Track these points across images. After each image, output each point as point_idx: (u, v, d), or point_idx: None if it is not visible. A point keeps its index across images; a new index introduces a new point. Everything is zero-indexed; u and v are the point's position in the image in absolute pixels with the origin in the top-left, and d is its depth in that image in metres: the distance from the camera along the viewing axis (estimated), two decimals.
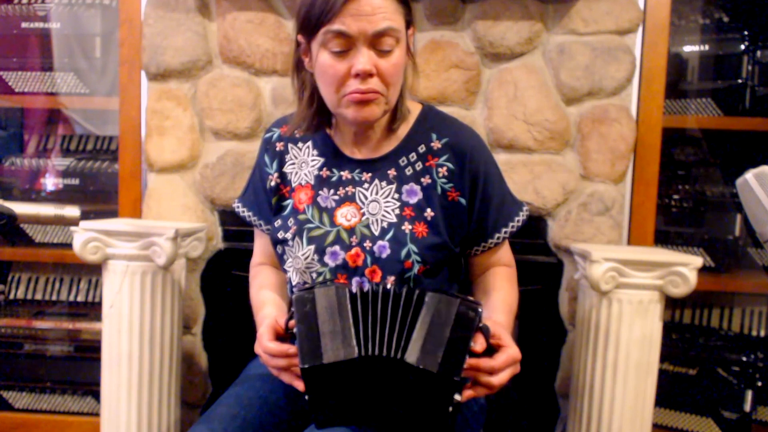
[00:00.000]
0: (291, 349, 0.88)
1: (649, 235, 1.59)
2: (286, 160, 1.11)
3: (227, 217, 1.62)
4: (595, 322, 1.37)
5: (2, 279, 1.92)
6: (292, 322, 0.87)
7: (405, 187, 1.04)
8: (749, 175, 0.88)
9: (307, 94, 1.04)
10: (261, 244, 1.20)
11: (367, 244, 1.01)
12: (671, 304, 1.77)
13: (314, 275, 1.03)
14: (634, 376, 1.33)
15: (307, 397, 0.85)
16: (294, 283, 1.07)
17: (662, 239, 1.73)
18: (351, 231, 1.02)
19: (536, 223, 1.58)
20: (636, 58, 1.53)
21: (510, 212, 1.10)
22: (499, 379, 0.86)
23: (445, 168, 1.05)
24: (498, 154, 1.54)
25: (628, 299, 1.33)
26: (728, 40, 1.73)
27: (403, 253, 1.00)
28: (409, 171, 1.06)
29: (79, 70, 1.84)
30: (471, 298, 0.85)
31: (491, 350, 0.86)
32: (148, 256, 1.38)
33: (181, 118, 1.60)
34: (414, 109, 1.09)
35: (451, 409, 0.82)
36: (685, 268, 1.30)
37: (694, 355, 1.74)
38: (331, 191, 1.06)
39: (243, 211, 1.19)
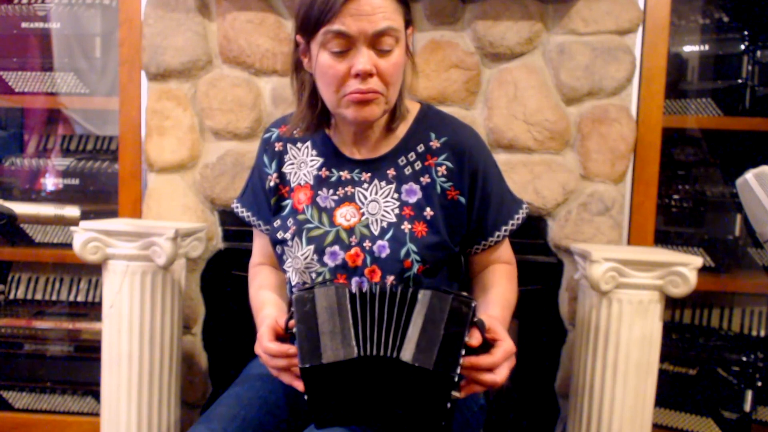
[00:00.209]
0: (291, 349, 0.88)
1: (649, 235, 1.59)
2: (285, 160, 1.11)
3: (227, 217, 1.62)
4: (595, 322, 1.37)
5: (2, 279, 1.92)
6: (292, 322, 0.87)
7: (404, 187, 1.04)
8: (749, 175, 0.88)
9: (306, 94, 1.04)
10: (260, 245, 1.20)
11: (367, 243, 1.01)
12: (671, 304, 1.76)
13: (314, 275, 1.03)
14: (634, 376, 1.33)
15: (306, 397, 0.85)
16: (293, 284, 1.07)
17: (662, 239, 1.73)
18: (350, 231, 1.02)
19: (536, 223, 1.58)
20: (636, 58, 1.53)
21: (509, 210, 1.10)
22: (502, 374, 0.85)
23: (444, 167, 1.05)
24: (498, 154, 1.54)
25: (628, 299, 1.33)
26: (728, 40, 1.73)
27: (403, 252, 1.00)
28: (408, 170, 1.05)
29: (79, 70, 1.84)
30: (464, 294, 0.85)
31: (487, 344, 0.86)
32: (148, 256, 1.38)
33: (181, 118, 1.60)
34: (413, 109, 1.09)
35: (449, 405, 0.82)
36: (685, 268, 1.30)
37: (694, 355, 1.74)
38: (331, 191, 1.06)
39: (242, 212, 1.19)
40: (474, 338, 0.84)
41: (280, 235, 1.06)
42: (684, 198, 1.76)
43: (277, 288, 1.15)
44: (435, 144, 1.06)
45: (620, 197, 1.55)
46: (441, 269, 1.06)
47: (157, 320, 1.41)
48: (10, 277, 1.92)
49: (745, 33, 1.71)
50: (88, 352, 1.81)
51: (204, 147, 1.61)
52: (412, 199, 1.04)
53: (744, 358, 1.71)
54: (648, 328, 1.33)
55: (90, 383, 1.81)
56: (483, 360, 0.84)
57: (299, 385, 0.86)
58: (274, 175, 1.11)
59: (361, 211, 1.04)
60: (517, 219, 1.10)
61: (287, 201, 1.09)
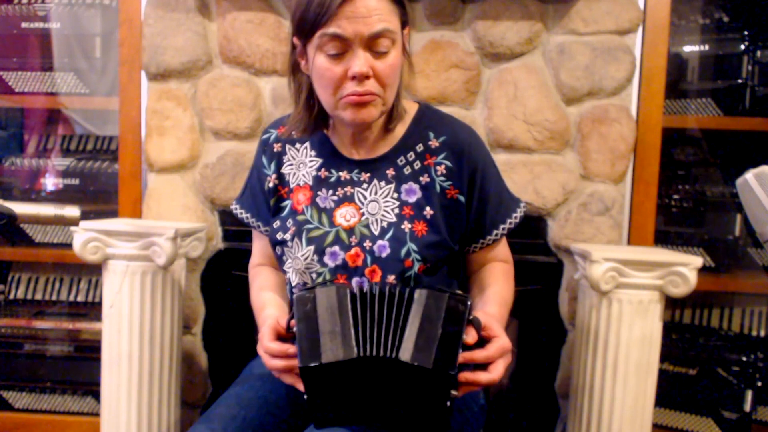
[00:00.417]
0: (291, 348, 0.88)
1: (649, 235, 1.59)
2: (284, 161, 1.11)
3: (227, 217, 1.62)
4: (595, 322, 1.37)
5: (2, 279, 1.92)
6: (292, 322, 0.87)
7: (404, 187, 1.04)
8: (749, 175, 0.88)
9: (303, 96, 1.04)
10: (259, 246, 1.20)
11: (367, 243, 1.01)
12: (671, 304, 1.76)
13: (314, 276, 1.03)
14: (634, 376, 1.33)
15: (306, 397, 0.85)
16: (294, 284, 1.07)
17: (662, 239, 1.73)
18: (350, 231, 1.02)
19: (536, 223, 1.58)
20: (636, 58, 1.53)
21: (507, 209, 1.10)
22: (497, 370, 0.86)
23: (443, 166, 1.05)
24: (498, 154, 1.54)
25: (628, 299, 1.33)
26: (728, 40, 1.73)
27: (403, 252, 1.00)
28: (407, 170, 1.06)
29: (79, 70, 1.84)
30: (459, 292, 0.85)
31: (483, 342, 0.86)
32: (148, 256, 1.38)
33: (181, 118, 1.60)
34: (410, 109, 1.09)
35: (449, 404, 0.82)
36: (685, 268, 1.30)
37: (694, 355, 1.74)
38: (330, 192, 1.06)
39: (241, 213, 1.19)
40: (470, 336, 0.84)
41: (279, 235, 1.06)
42: (684, 198, 1.76)
43: (278, 289, 1.15)
44: (434, 143, 1.06)
45: (620, 197, 1.55)
46: (441, 268, 1.06)
47: (157, 320, 1.41)
48: (10, 277, 1.92)
49: (745, 33, 1.71)
50: (88, 352, 1.81)
51: (204, 147, 1.61)
52: (412, 199, 1.04)
53: (744, 358, 1.71)
54: (648, 328, 1.33)
55: (90, 383, 1.81)
56: (478, 354, 0.85)
57: (300, 385, 0.86)
58: (273, 176, 1.11)
59: (361, 211, 1.04)
60: (515, 217, 1.10)
61: (286, 202, 1.09)
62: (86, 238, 1.38)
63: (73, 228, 1.39)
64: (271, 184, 1.11)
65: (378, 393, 0.86)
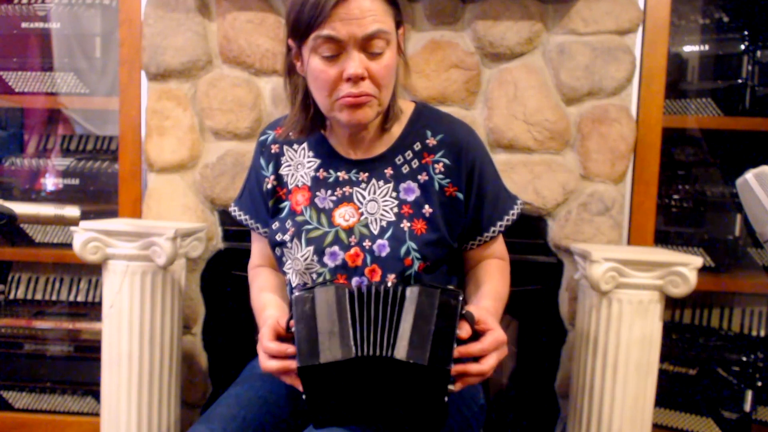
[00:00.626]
0: (290, 348, 0.88)
1: (649, 235, 1.59)
2: (282, 162, 1.11)
3: (227, 217, 1.62)
4: (595, 322, 1.37)
5: (2, 279, 1.92)
6: (292, 322, 0.87)
7: (402, 185, 1.05)
8: (749, 175, 0.88)
9: (299, 97, 1.04)
10: (259, 247, 1.20)
11: (367, 243, 1.01)
12: (671, 304, 1.76)
13: (314, 276, 1.03)
14: (634, 376, 1.33)
15: (305, 397, 0.85)
16: (294, 285, 1.07)
17: (662, 239, 1.73)
18: (350, 231, 1.02)
19: (536, 223, 1.58)
20: (636, 58, 1.53)
21: (504, 207, 1.10)
22: (489, 363, 0.86)
23: (441, 164, 1.05)
24: (498, 154, 1.54)
25: (628, 299, 1.33)
26: (728, 40, 1.73)
27: (403, 250, 1.00)
28: (405, 169, 1.06)
29: (79, 70, 1.84)
30: (451, 287, 0.86)
31: (477, 336, 0.87)
32: (148, 256, 1.38)
33: (181, 118, 1.60)
34: (407, 108, 1.10)
35: (446, 399, 0.82)
36: (685, 268, 1.30)
37: (694, 355, 1.74)
38: (329, 192, 1.06)
39: (240, 215, 1.19)
40: (464, 330, 0.84)
41: (279, 237, 1.06)
42: (684, 198, 1.75)
43: (278, 289, 1.15)
44: (431, 141, 1.06)
45: (620, 197, 1.55)
46: (441, 266, 1.06)
47: (157, 320, 1.41)
48: (10, 277, 1.92)
49: (745, 33, 1.71)
50: (88, 352, 1.81)
51: (204, 147, 1.61)
52: (411, 197, 1.04)
53: (744, 358, 1.71)
54: (648, 328, 1.33)
55: (90, 383, 1.81)
56: (473, 348, 0.85)
57: (300, 385, 0.86)
58: (272, 177, 1.11)
59: (360, 210, 1.04)
60: (512, 215, 1.11)
61: (285, 203, 1.09)
62: (86, 238, 1.38)
63: (73, 228, 1.39)
64: (269, 186, 1.11)
65: (377, 392, 0.86)
